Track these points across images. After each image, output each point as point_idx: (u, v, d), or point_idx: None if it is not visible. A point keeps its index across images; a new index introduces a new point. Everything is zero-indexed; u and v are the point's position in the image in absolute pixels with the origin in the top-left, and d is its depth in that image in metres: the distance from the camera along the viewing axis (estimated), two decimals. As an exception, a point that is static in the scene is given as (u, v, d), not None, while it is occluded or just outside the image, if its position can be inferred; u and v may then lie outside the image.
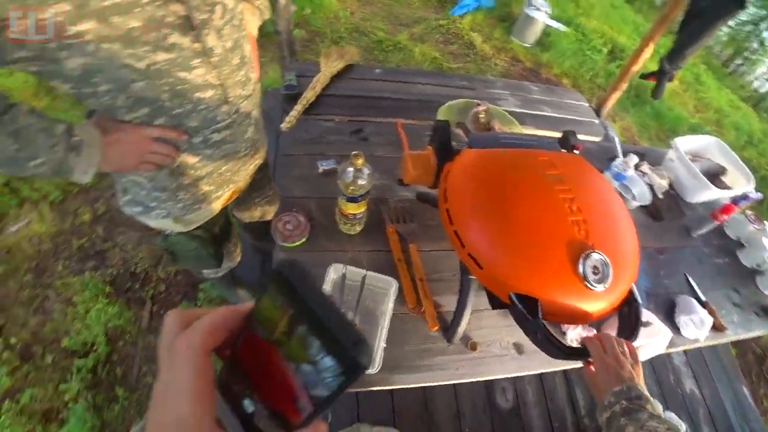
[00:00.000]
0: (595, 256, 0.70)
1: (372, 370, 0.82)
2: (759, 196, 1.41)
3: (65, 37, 0.57)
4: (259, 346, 0.26)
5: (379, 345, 0.85)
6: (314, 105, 1.68)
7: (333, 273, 0.91)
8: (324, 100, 1.69)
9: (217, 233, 1.22)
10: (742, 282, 1.40)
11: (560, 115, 2.13)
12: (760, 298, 1.38)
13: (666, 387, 2.03)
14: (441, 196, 0.82)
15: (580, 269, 0.69)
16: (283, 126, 1.55)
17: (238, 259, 1.45)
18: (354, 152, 0.83)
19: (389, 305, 0.90)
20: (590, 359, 0.75)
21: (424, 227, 1.11)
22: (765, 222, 1.52)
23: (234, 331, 0.28)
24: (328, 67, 1.86)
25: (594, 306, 0.71)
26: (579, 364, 1.01)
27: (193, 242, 1.13)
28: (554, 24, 4.78)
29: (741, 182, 1.57)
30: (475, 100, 1.33)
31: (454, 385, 1.70)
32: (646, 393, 0.69)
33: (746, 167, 1.59)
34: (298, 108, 1.64)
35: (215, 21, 0.72)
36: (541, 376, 1.86)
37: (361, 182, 0.87)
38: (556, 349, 0.71)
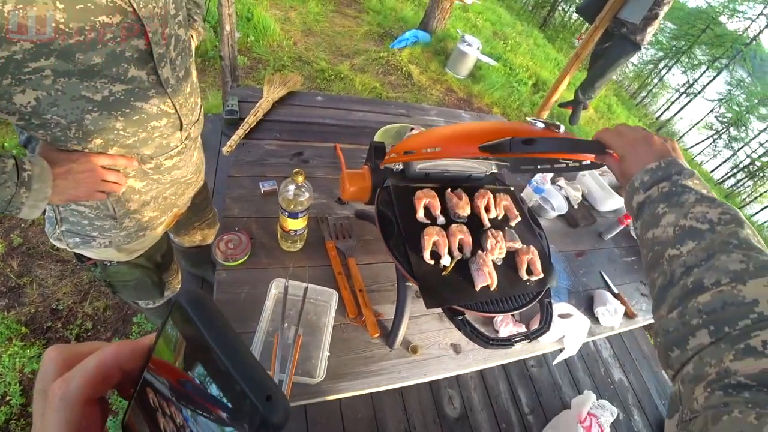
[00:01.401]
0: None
1: (317, 380, 0.84)
2: None
3: (22, 73, 0.56)
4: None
5: (323, 354, 0.88)
6: (255, 129, 1.71)
7: (275, 288, 0.94)
8: (265, 125, 1.73)
9: (159, 261, 1.19)
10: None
11: (489, 141, 2.32)
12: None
13: (598, 378, 2.25)
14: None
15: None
16: (225, 150, 1.57)
17: (178, 287, 1.41)
18: (295, 170, 0.88)
19: (331, 315, 0.94)
20: (611, 151, 0.65)
21: (362, 242, 1.17)
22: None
23: (133, 369, 0.23)
24: (271, 92, 1.91)
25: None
26: (509, 358, 1.11)
27: (136, 271, 1.10)
28: (485, 59, 5.20)
29: None
30: (410, 125, 1.44)
31: (402, 398, 1.74)
32: (689, 168, 0.55)
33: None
34: (240, 132, 1.66)
35: (170, 53, 0.73)
36: (484, 382, 1.96)
37: (301, 198, 0.91)
38: (482, 341, 0.82)
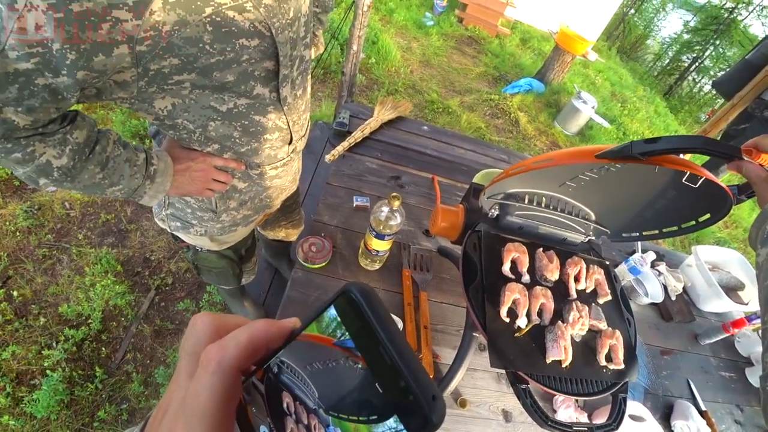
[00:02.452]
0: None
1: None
2: None
3: (166, 83, 0.62)
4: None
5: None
6: (359, 145, 1.80)
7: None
8: (370, 143, 1.81)
9: (243, 254, 1.29)
10: (747, 400, 1.37)
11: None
12: (763, 421, 1.34)
13: None
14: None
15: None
16: (328, 158, 1.66)
17: (253, 277, 1.51)
18: (393, 193, 0.90)
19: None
20: (758, 161, 0.58)
21: (438, 279, 1.16)
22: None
23: (270, 351, 0.24)
24: (381, 113, 2.00)
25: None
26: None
27: (222, 261, 1.20)
28: (598, 119, 4.96)
29: (757, 302, 1.58)
30: (510, 174, 1.41)
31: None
32: None
33: (765, 288, 1.60)
34: (345, 144, 1.76)
35: (293, 73, 0.78)
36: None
37: (392, 222, 0.94)
38: (540, 418, 0.75)
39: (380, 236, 0.96)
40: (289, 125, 0.86)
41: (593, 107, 4.48)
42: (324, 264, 1.07)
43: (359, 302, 0.20)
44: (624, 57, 11.00)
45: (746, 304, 1.58)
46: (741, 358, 1.50)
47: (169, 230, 1.05)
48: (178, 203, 0.96)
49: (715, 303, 1.54)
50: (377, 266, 1.10)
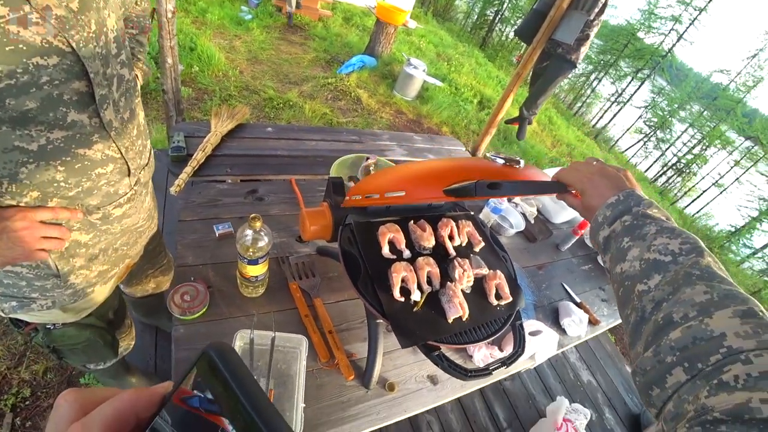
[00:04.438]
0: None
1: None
2: None
3: None
4: None
5: (298, 406, 0.82)
6: (205, 165, 1.64)
7: (239, 340, 0.88)
8: (215, 161, 1.67)
9: (112, 318, 1.08)
10: (604, 281, 1.68)
11: (444, 161, 2.36)
12: None
13: (568, 383, 2.32)
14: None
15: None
16: (173, 190, 1.49)
17: (132, 343, 1.29)
18: (252, 215, 0.83)
19: (302, 363, 0.89)
20: (572, 190, 0.66)
21: (327, 280, 1.13)
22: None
23: (148, 418, 0.23)
24: (219, 126, 1.85)
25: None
26: (486, 382, 1.10)
27: (85, 333, 0.99)
28: (431, 80, 5.36)
29: None
30: (365, 154, 1.43)
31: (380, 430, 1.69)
32: (647, 197, 0.57)
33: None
34: (188, 170, 1.59)
35: (113, 94, 0.69)
36: (461, 402, 1.94)
37: (261, 244, 0.87)
38: (460, 374, 0.80)
39: (253, 261, 0.89)
40: (122, 153, 0.74)
41: (424, 70, 4.83)
42: (204, 310, 0.96)
43: (216, 363, 0.21)
44: (440, 20, 12.05)
45: (585, 207, 1.91)
46: (591, 250, 1.81)
47: (3, 315, 0.83)
48: (5, 278, 0.77)
49: (563, 214, 1.83)
50: (262, 290, 1.02)
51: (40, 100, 0.57)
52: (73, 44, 0.57)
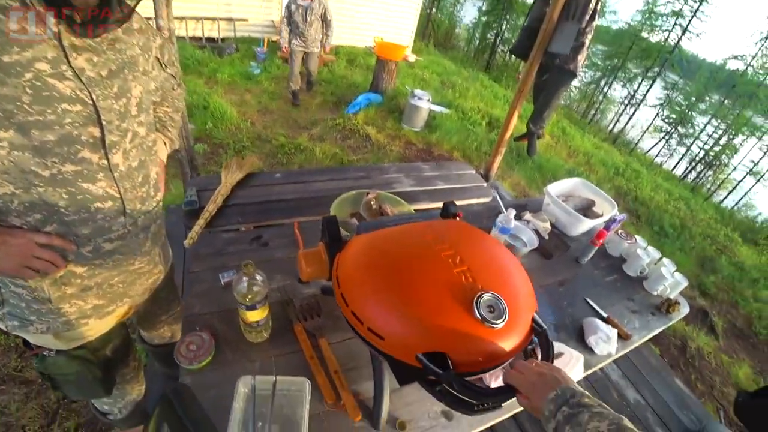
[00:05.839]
0: (486, 296, 0.75)
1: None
2: (623, 216, 1.69)
3: None
4: None
5: (303, 453, 0.81)
6: (216, 217, 1.70)
7: (242, 387, 0.88)
8: (226, 211, 1.73)
9: (108, 355, 1.09)
10: (632, 291, 1.59)
11: (451, 186, 2.37)
12: (651, 299, 1.57)
13: (613, 404, 2.13)
14: (335, 284, 0.86)
15: (476, 312, 0.73)
16: (186, 242, 1.54)
17: (141, 388, 1.30)
18: (244, 262, 0.86)
19: (306, 407, 0.88)
20: (521, 391, 0.73)
21: (332, 319, 1.13)
22: (635, 236, 1.78)
23: None
24: (229, 178, 1.93)
25: (504, 343, 0.75)
26: (505, 414, 1.04)
27: (73, 364, 1.00)
28: (437, 108, 5.45)
29: (608, 209, 1.88)
30: (365, 190, 1.45)
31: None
32: (579, 389, 0.68)
33: (608, 196, 1.91)
34: (200, 223, 1.65)
35: (125, 143, 0.80)
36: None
37: (256, 289, 0.89)
38: (465, 410, 0.74)
39: (251, 307, 0.90)
40: (120, 194, 0.83)
41: (429, 100, 4.92)
42: (209, 358, 0.97)
43: (173, 403, 0.21)
44: (441, 49, 12.38)
45: (601, 215, 1.86)
46: (614, 259, 1.74)
47: (7, 330, 0.91)
48: (11, 299, 0.86)
49: (579, 226, 1.77)
50: (266, 335, 1.03)
51: (60, 135, 0.69)
52: (94, 98, 0.71)
